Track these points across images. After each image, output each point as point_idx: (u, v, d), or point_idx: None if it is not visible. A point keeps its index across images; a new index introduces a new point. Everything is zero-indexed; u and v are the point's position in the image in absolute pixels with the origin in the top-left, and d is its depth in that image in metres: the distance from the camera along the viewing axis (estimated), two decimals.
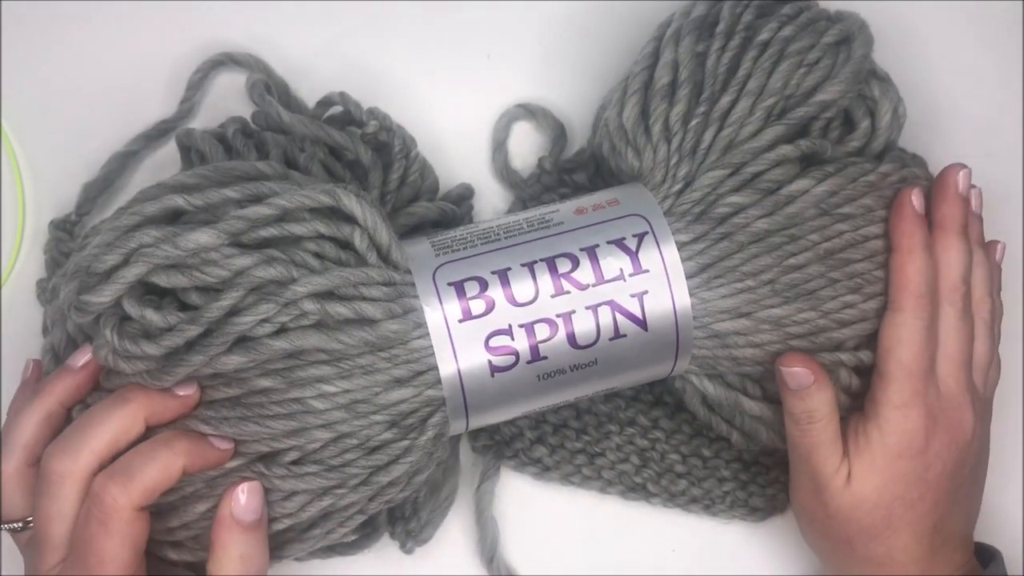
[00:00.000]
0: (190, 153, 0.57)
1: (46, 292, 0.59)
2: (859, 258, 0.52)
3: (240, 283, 0.46)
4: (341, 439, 0.48)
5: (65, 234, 0.60)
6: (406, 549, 0.57)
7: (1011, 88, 0.64)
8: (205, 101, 0.63)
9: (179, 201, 0.47)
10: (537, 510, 0.60)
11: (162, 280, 0.46)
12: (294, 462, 0.48)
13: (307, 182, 0.50)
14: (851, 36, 0.54)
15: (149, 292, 0.47)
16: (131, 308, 0.46)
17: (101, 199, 0.61)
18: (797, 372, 0.51)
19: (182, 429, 0.48)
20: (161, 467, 0.46)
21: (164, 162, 0.61)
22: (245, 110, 0.59)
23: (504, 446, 0.59)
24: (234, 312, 0.46)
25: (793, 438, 0.53)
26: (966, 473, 0.53)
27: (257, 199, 0.48)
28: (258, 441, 0.47)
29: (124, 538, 0.45)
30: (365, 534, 0.56)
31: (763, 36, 0.53)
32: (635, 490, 0.59)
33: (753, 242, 0.50)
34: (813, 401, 0.51)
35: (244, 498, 0.47)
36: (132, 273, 0.45)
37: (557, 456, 0.59)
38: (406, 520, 0.57)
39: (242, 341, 0.46)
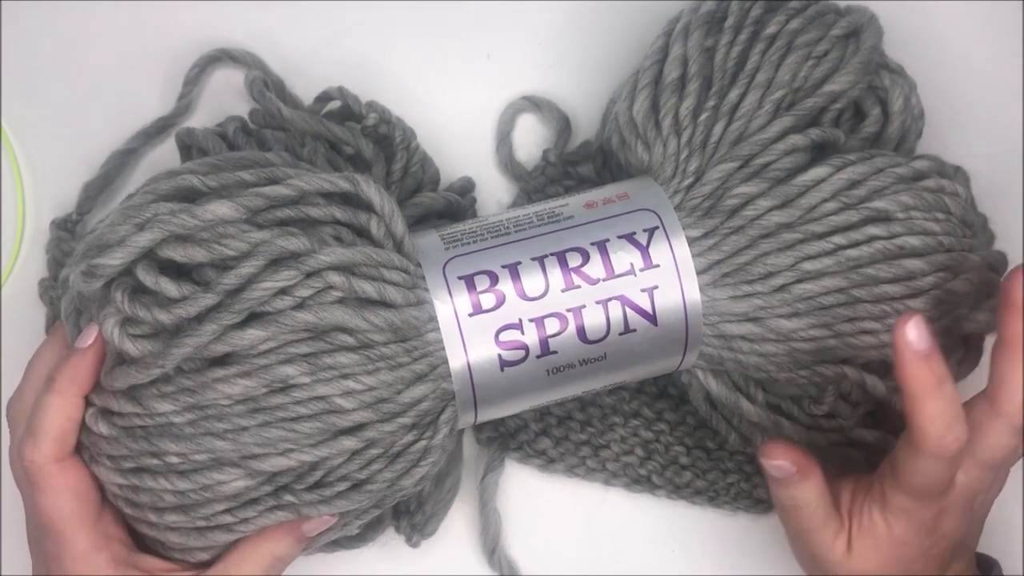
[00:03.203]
0: (191, 152, 0.56)
1: (52, 288, 0.59)
2: (890, 277, 0.49)
3: (261, 252, 0.45)
4: (367, 449, 0.47)
5: (66, 233, 0.59)
6: (412, 543, 0.57)
7: (1011, 88, 0.64)
8: (202, 97, 0.63)
9: (194, 181, 0.46)
10: (540, 503, 0.60)
11: (178, 254, 0.45)
12: (319, 483, 0.47)
13: (317, 171, 0.50)
14: (860, 28, 0.54)
15: (164, 272, 0.45)
16: (145, 276, 0.44)
17: (101, 197, 0.61)
18: (780, 465, 0.49)
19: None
20: (55, 412, 0.46)
21: (163, 160, 0.61)
22: (243, 107, 0.58)
23: (509, 438, 0.59)
24: (253, 281, 0.45)
25: (782, 517, 0.52)
26: (975, 528, 0.52)
27: (273, 181, 0.47)
28: (281, 453, 0.46)
29: (59, 491, 0.46)
30: (369, 526, 0.56)
31: (771, 29, 0.53)
32: (639, 482, 0.60)
33: (765, 236, 0.50)
34: (798, 491, 0.49)
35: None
36: (146, 238, 0.44)
37: (561, 448, 0.59)
38: (411, 514, 0.57)
39: (261, 316, 0.45)
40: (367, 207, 0.48)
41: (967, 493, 0.49)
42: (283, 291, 0.45)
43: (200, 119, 0.62)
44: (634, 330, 0.50)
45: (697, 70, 0.53)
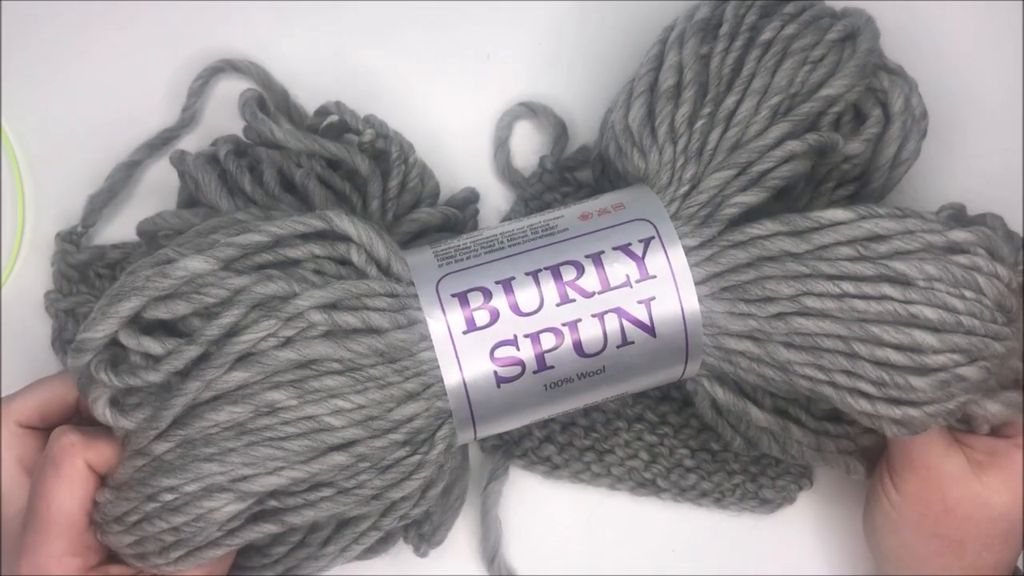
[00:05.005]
0: (185, 177, 0.56)
1: (58, 301, 0.59)
2: (894, 343, 0.47)
3: (241, 300, 0.45)
4: (357, 463, 0.47)
5: (71, 246, 0.60)
6: (420, 553, 0.57)
7: (1011, 88, 0.63)
8: (207, 108, 0.62)
9: (170, 254, 0.47)
10: (542, 509, 0.60)
11: (161, 311, 0.45)
12: (307, 489, 0.47)
13: (290, 214, 0.49)
14: (856, 31, 0.53)
15: (146, 332, 0.46)
16: (128, 339, 0.45)
17: (106, 210, 0.61)
18: None
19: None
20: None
21: (167, 171, 0.60)
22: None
23: (513, 445, 0.59)
24: (235, 332, 0.45)
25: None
26: None
27: (245, 232, 0.47)
28: (271, 472, 0.46)
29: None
30: (380, 539, 0.56)
31: (766, 35, 0.52)
32: (645, 486, 0.59)
33: (768, 259, 0.49)
34: None
35: None
36: (127, 307, 0.45)
37: (566, 454, 0.59)
38: (419, 524, 0.57)
39: (244, 358, 0.46)
40: (344, 239, 0.48)
41: None
42: (267, 335, 0.46)
43: (204, 130, 0.62)
44: (632, 342, 0.49)
45: (693, 77, 0.52)
